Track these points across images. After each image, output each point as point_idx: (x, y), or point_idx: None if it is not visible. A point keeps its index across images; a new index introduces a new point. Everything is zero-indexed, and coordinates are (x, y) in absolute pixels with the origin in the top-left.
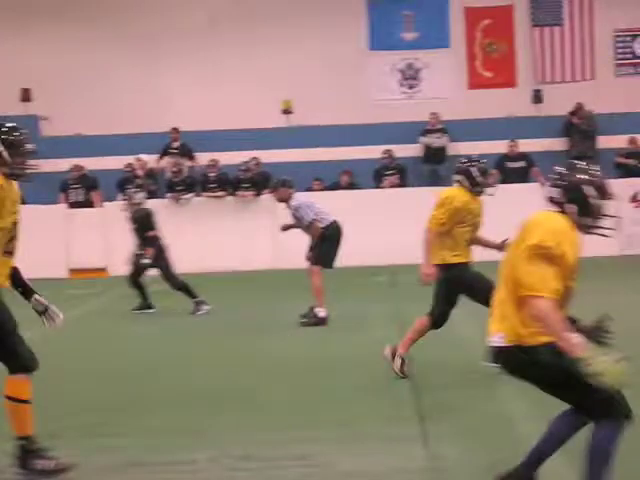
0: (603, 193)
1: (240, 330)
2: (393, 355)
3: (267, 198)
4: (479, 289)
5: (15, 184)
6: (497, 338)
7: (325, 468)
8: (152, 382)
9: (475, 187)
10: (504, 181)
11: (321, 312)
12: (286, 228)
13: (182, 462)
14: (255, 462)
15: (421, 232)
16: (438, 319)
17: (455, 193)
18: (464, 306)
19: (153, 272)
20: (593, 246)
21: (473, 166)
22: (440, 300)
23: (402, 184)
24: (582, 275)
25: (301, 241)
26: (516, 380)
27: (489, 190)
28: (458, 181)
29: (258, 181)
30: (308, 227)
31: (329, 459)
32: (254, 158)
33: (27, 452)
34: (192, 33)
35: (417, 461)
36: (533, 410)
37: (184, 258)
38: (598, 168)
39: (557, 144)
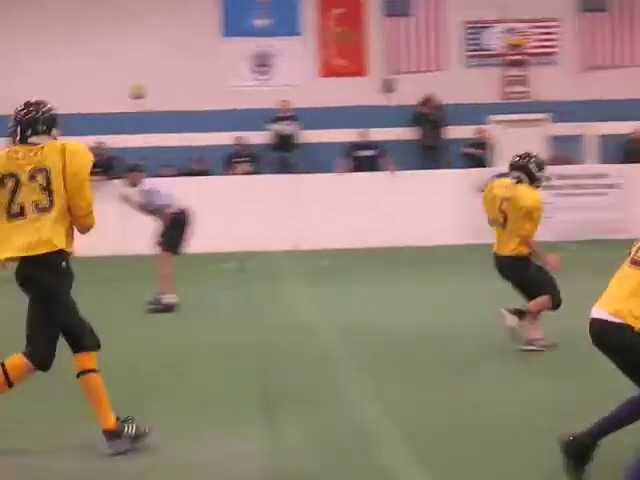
0: None
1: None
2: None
3: (116, 182)
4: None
5: None
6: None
7: (167, 458)
8: None
9: (535, 182)
10: (355, 169)
11: (170, 298)
12: (126, 199)
13: None
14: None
15: (271, 218)
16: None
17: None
18: (309, 291)
19: None
20: (440, 235)
21: (531, 162)
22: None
23: (254, 171)
24: (431, 264)
25: (148, 227)
26: (359, 367)
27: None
28: (518, 177)
29: (105, 165)
30: (158, 212)
31: (171, 449)
32: (101, 143)
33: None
34: (32, 14)
35: (258, 446)
36: (373, 397)
37: None
38: None
39: (407, 133)
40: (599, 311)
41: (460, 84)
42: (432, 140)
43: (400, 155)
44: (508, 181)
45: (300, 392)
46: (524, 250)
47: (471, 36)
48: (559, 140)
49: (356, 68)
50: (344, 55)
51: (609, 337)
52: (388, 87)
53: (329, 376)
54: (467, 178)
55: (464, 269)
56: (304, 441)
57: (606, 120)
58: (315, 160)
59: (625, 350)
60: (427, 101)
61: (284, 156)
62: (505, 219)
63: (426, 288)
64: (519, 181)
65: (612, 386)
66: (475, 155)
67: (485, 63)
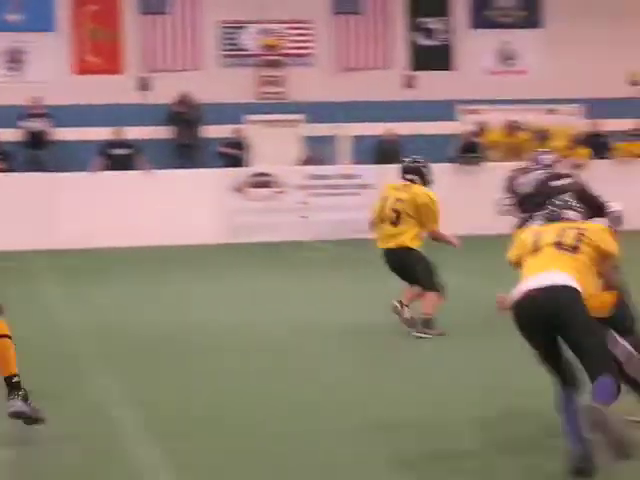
0: None
1: None
2: None
3: None
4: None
5: None
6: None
7: None
8: None
9: (427, 183)
10: (109, 168)
11: None
12: None
13: None
14: None
15: (25, 217)
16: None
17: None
18: (62, 291)
19: None
20: (196, 235)
21: (423, 164)
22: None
23: (6, 169)
24: (188, 264)
25: None
26: (112, 367)
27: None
28: (411, 179)
29: None
30: None
31: None
32: None
33: None
34: None
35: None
36: (125, 397)
37: None
38: None
39: (162, 132)
40: (547, 279)
41: (216, 83)
42: (188, 139)
43: (155, 154)
44: (400, 183)
45: (49, 391)
46: (416, 243)
47: (227, 36)
48: (313, 140)
49: (111, 66)
50: (99, 52)
51: (561, 297)
52: (144, 85)
53: (79, 376)
54: (223, 177)
55: (220, 269)
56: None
57: (359, 121)
58: (70, 158)
59: (576, 305)
60: (182, 100)
61: (37, 154)
62: (398, 217)
63: (182, 288)
64: (412, 182)
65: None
66: (231, 155)
67: (241, 63)
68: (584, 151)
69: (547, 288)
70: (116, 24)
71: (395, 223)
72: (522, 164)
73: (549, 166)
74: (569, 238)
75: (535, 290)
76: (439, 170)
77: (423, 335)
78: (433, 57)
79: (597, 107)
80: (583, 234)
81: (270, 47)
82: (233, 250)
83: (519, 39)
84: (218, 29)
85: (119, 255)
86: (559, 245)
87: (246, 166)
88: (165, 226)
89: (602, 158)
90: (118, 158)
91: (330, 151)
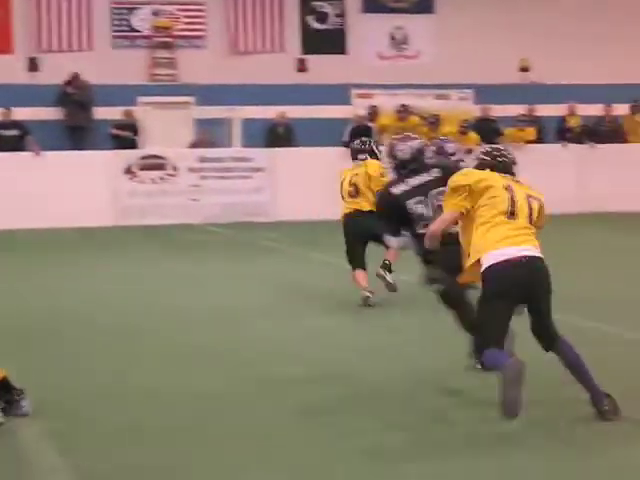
0: None
1: None
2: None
3: None
4: None
5: None
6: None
7: None
8: None
9: (378, 158)
10: None
11: None
12: None
13: None
14: None
15: None
16: None
17: None
18: None
19: None
20: (87, 217)
21: (372, 143)
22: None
23: None
24: (78, 246)
25: None
26: None
27: None
28: (365, 157)
29: None
30: None
31: None
32: None
33: None
34: None
35: None
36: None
37: None
38: None
39: (52, 113)
40: (525, 250)
41: (107, 65)
42: (78, 121)
43: (45, 136)
44: (355, 163)
45: None
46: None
47: (119, 17)
48: (205, 123)
49: (1, 45)
50: None
51: (541, 268)
52: (33, 66)
53: None
54: (114, 160)
55: (110, 252)
56: None
57: (251, 104)
58: None
59: (548, 278)
60: (73, 81)
61: None
62: (356, 190)
63: (75, 271)
64: (364, 159)
65: None
66: (122, 136)
67: (133, 44)
68: (474, 136)
69: (530, 258)
70: (6, 3)
71: (354, 196)
72: (403, 133)
73: (452, 154)
74: (535, 211)
75: (519, 258)
76: (332, 154)
77: (384, 275)
78: (326, 41)
79: (488, 93)
80: (542, 207)
81: (162, 29)
82: (123, 233)
83: (411, 24)
84: (109, 9)
85: (7, 237)
86: (530, 217)
87: (137, 148)
88: (55, 208)
89: (492, 143)
90: (7, 139)
91: (222, 134)
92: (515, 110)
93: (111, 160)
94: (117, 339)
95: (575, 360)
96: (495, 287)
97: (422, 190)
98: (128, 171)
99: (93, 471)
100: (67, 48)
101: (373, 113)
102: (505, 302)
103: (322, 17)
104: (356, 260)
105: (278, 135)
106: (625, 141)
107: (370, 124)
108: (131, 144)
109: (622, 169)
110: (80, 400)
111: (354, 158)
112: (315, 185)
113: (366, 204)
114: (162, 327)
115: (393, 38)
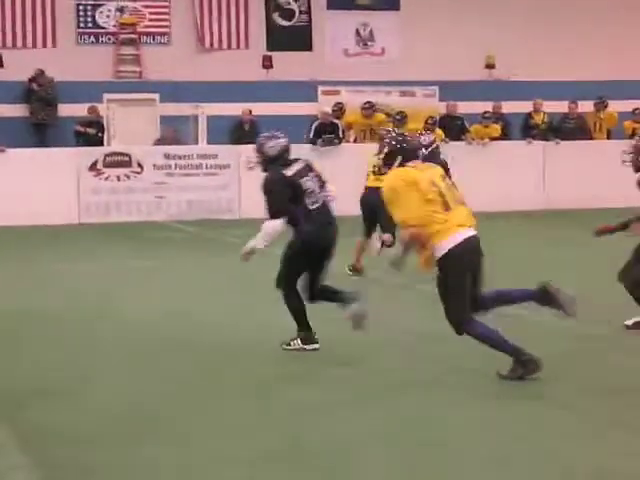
0: None
1: None
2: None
3: None
4: None
5: None
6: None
7: None
8: None
9: None
10: None
11: None
12: None
13: None
14: None
15: None
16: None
17: None
18: None
19: None
20: (52, 215)
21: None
22: None
23: None
24: (43, 244)
25: None
26: None
27: None
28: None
29: None
30: None
31: None
32: None
33: None
34: None
35: None
36: None
37: None
38: None
39: (17, 110)
40: (470, 231)
41: (73, 61)
42: (43, 117)
43: (10, 132)
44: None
45: None
46: None
47: (83, 13)
48: (170, 120)
49: None
50: None
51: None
52: None
53: None
54: (79, 157)
55: (75, 249)
56: None
57: (217, 101)
58: None
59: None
60: (37, 77)
61: None
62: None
63: (37, 269)
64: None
65: None
66: (88, 134)
67: (98, 41)
68: (439, 133)
69: (475, 237)
70: None
71: (381, 173)
72: (271, 132)
73: (428, 146)
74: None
75: (471, 237)
76: (298, 151)
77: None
78: (292, 37)
79: (453, 89)
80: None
81: (127, 25)
82: (88, 230)
83: (377, 21)
84: (74, 6)
85: None
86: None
87: (102, 145)
88: (19, 206)
89: (457, 140)
90: None
91: (187, 131)
92: (480, 107)
93: (76, 157)
94: (75, 335)
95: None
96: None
97: (303, 172)
98: (93, 168)
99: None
100: (32, 45)
101: (339, 110)
102: (464, 276)
103: (288, 14)
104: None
105: (244, 132)
106: (590, 138)
107: (336, 121)
108: (96, 141)
109: (587, 166)
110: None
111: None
112: None
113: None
114: (119, 326)
115: (359, 35)
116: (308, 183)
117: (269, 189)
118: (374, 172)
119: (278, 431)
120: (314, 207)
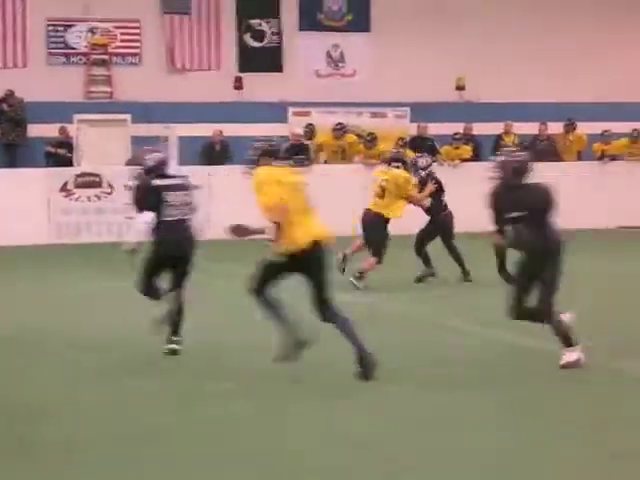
0: None
1: None
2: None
3: None
4: None
5: None
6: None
7: None
8: None
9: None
10: None
11: None
12: None
13: None
14: None
15: None
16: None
17: None
18: None
19: None
20: (22, 235)
21: (404, 157)
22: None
23: None
24: (11, 265)
25: None
26: None
27: None
28: (397, 165)
29: None
30: None
31: None
32: None
33: None
34: None
35: None
36: None
37: None
38: None
39: None
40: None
41: (43, 82)
42: (13, 138)
43: None
44: (385, 167)
45: None
46: (394, 213)
47: (54, 34)
48: (141, 141)
49: None
50: None
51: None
52: None
53: None
54: (49, 177)
55: (44, 270)
56: None
57: (188, 122)
58: None
59: None
60: (7, 98)
61: None
62: (383, 192)
63: (5, 290)
64: (397, 167)
65: None
66: (58, 154)
67: (68, 62)
68: (411, 154)
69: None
70: None
71: (381, 196)
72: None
73: (425, 168)
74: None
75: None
76: None
77: (355, 283)
78: (263, 59)
79: (424, 111)
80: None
81: (98, 46)
82: (58, 251)
83: (348, 42)
84: (45, 26)
85: None
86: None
87: (73, 166)
88: None
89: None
90: None
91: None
92: (451, 128)
93: (46, 178)
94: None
95: None
96: None
97: (173, 188)
98: (63, 189)
99: None
100: (2, 65)
101: (310, 131)
102: None
103: (259, 35)
104: None
105: (214, 153)
106: (560, 159)
107: (307, 142)
108: (67, 162)
109: (557, 187)
110: None
111: (388, 164)
112: (251, 203)
113: (388, 209)
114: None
115: (330, 56)
116: (171, 197)
117: (135, 190)
118: (379, 196)
119: None
120: (169, 219)
